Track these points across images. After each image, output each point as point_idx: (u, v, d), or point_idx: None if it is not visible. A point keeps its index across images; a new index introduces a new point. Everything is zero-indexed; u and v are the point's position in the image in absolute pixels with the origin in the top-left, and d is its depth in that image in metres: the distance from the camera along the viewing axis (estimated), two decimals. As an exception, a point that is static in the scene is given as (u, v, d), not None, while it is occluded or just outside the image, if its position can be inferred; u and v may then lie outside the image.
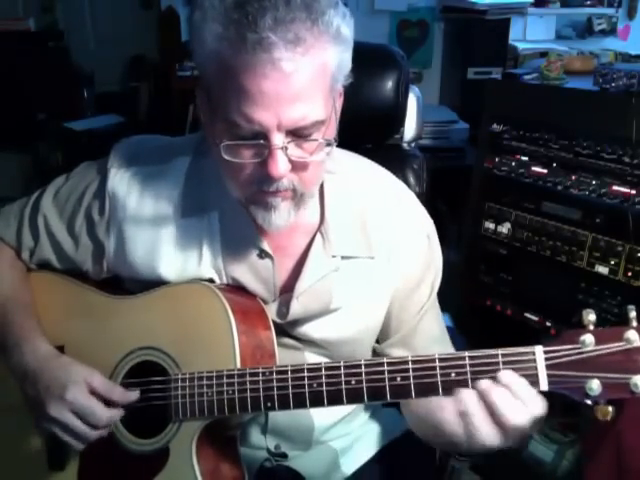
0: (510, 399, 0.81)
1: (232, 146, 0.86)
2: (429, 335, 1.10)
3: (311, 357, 1.05)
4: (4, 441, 1.07)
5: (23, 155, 3.43)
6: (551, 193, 1.98)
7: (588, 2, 3.44)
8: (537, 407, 0.82)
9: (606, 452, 1.57)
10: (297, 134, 0.85)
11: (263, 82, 0.80)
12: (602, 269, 1.86)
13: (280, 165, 0.84)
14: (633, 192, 1.78)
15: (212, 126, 0.89)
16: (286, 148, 0.84)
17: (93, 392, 0.95)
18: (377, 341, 1.11)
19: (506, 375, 0.82)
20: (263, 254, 1.00)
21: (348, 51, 0.87)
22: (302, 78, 0.81)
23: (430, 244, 1.08)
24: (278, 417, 1.05)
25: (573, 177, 1.92)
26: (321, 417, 1.09)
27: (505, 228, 2.10)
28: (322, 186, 1.01)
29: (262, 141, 0.84)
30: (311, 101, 0.83)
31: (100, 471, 1.02)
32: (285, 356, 1.00)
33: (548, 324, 2.02)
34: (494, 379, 0.82)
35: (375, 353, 1.11)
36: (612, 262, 1.83)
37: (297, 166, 0.87)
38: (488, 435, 0.83)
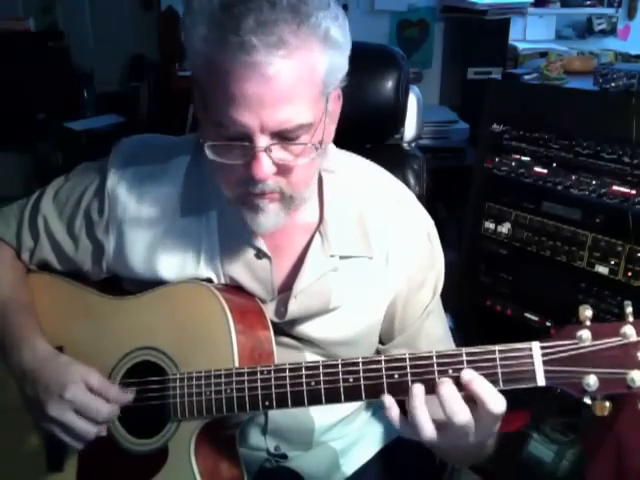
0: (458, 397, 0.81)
1: (217, 146, 0.86)
2: (434, 336, 1.09)
3: (310, 357, 1.04)
4: (3, 442, 1.07)
5: (23, 155, 3.43)
6: (551, 193, 1.98)
7: (588, 2, 3.43)
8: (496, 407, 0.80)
9: (606, 452, 1.57)
10: (282, 136, 0.84)
11: (245, 85, 0.80)
12: (602, 269, 1.86)
13: (263, 167, 0.84)
14: (633, 192, 1.78)
15: (204, 124, 0.89)
16: (270, 150, 0.84)
17: (91, 390, 0.95)
18: (382, 342, 1.11)
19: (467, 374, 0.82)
20: (261, 254, 1.00)
21: (342, 54, 0.86)
22: (284, 81, 0.80)
23: (431, 244, 1.08)
24: (278, 418, 1.05)
25: (573, 177, 1.92)
26: (321, 418, 1.09)
27: (505, 228, 2.10)
28: (321, 185, 1.01)
29: (246, 143, 0.84)
30: (296, 104, 0.82)
31: (99, 471, 1.02)
32: (284, 356, 1.00)
33: (548, 324, 2.02)
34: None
35: (379, 355, 1.10)
36: (612, 262, 1.83)
37: (283, 169, 0.87)
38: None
